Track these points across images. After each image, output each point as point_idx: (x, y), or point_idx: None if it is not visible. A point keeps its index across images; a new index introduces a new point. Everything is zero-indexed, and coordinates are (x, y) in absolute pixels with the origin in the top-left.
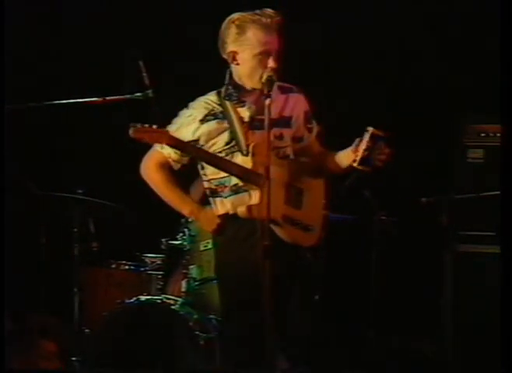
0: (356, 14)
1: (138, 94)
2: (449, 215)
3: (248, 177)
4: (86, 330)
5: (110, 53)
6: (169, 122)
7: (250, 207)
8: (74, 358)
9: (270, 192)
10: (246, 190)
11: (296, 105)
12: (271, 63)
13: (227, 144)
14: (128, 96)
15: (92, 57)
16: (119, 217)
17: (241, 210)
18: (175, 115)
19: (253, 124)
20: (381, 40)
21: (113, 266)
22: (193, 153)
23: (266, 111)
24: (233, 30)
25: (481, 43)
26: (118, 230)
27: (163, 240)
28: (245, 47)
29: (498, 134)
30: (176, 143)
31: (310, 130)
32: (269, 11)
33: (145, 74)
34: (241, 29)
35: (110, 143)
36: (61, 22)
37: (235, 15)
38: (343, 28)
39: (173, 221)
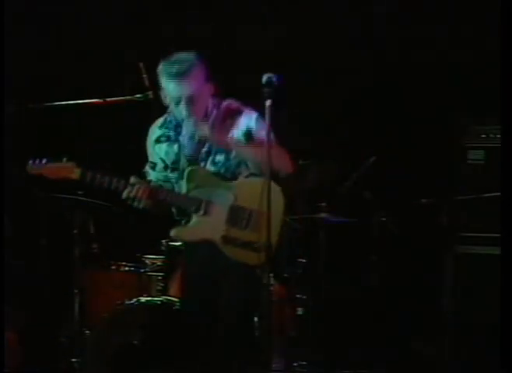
0: (350, 12)
1: (139, 95)
2: (449, 216)
3: (183, 204)
4: (87, 331)
5: (111, 54)
6: None
7: (179, 231)
8: (74, 359)
9: (269, 213)
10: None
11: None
12: (182, 110)
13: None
14: (129, 98)
15: (92, 58)
16: (119, 219)
17: (173, 233)
18: None
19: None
20: (381, 39)
21: (114, 267)
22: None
23: (266, 113)
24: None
25: (481, 43)
26: (118, 231)
27: (163, 241)
28: (164, 93)
29: (498, 135)
30: (86, 178)
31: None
32: (183, 56)
33: (145, 75)
34: (159, 78)
35: (111, 143)
36: (61, 23)
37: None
38: (340, 27)
39: (173, 222)
